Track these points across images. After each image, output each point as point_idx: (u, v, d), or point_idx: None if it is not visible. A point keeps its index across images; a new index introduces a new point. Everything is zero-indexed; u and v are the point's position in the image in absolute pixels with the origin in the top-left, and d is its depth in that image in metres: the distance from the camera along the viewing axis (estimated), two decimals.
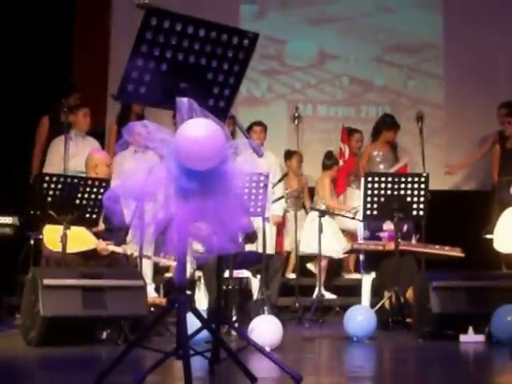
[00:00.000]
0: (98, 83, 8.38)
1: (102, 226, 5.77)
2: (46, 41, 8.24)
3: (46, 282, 4.72)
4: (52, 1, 8.42)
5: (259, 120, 7.98)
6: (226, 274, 5.83)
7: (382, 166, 8.00)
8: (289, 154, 8.18)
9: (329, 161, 7.95)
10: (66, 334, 4.72)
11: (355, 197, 7.80)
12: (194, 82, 3.06)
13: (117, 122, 7.81)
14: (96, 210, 5.43)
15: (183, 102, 2.89)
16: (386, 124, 8.09)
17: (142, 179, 2.94)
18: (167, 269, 6.71)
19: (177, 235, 2.82)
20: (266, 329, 4.61)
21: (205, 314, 4.08)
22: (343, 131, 8.47)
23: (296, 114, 7.39)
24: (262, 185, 5.79)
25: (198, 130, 2.77)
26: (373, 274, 6.39)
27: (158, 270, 6.83)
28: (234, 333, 5.14)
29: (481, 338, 4.97)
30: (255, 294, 6.31)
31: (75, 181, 5.43)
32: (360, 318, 5.21)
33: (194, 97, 2.97)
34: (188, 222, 2.84)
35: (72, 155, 6.96)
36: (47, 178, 5.40)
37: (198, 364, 3.60)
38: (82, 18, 8.90)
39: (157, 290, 6.75)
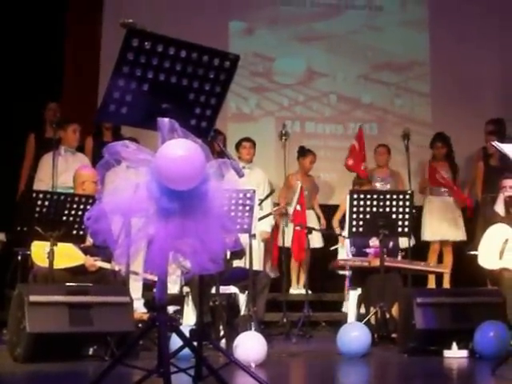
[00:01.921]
0: (87, 99, 8.41)
1: (90, 242, 5.78)
2: (37, 56, 8.29)
3: (32, 298, 4.72)
4: (43, 17, 8.47)
5: (248, 136, 8.04)
6: (214, 289, 5.86)
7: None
8: (303, 152, 8.22)
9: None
10: (52, 351, 4.72)
11: None
12: (176, 102, 3.09)
13: (92, 136, 7.91)
14: (83, 227, 5.43)
15: (164, 122, 2.93)
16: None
17: (130, 195, 2.97)
18: None
19: (157, 254, 2.85)
20: (250, 345, 4.64)
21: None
22: (360, 132, 8.56)
23: (283, 131, 7.44)
24: (248, 201, 5.82)
25: (178, 150, 2.80)
26: (359, 290, 6.42)
27: (150, 286, 6.85)
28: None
29: (464, 353, 5.01)
30: (242, 310, 6.33)
31: (62, 197, 5.43)
32: (355, 334, 5.24)
33: (176, 117, 2.99)
34: (168, 242, 2.87)
35: (62, 171, 7.00)
36: (34, 195, 5.43)
37: (183, 380, 3.61)
38: (73, 33, 8.96)
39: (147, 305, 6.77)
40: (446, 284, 7.94)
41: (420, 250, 7.66)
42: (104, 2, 9.09)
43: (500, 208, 6.40)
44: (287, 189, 8.10)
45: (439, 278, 7.86)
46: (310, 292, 7.37)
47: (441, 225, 8.16)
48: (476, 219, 7.81)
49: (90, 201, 5.42)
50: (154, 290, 6.76)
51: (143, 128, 3.22)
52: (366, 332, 5.25)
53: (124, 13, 8.16)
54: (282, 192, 8.20)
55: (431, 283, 7.94)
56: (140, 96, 3.04)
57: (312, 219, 8.15)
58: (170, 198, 2.84)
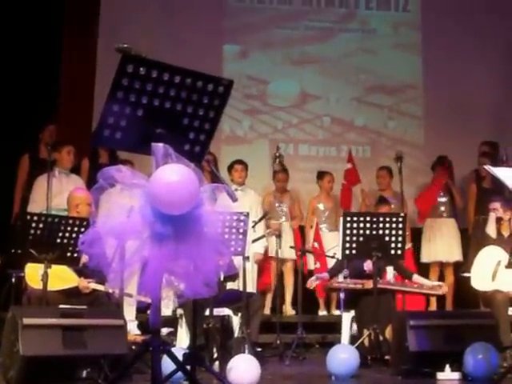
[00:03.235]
0: (83, 119, 8.44)
1: (85, 258, 5.76)
2: (33, 76, 8.31)
3: (26, 321, 4.69)
4: (39, 37, 8.52)
5: (241, 158, 8.07)
6: (207, 312, 5.86)
7: None
8: (321, 174, 8.36)
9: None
10: (45, 374, 4.69)
11: None
12: (170, 127, 3.12)
13: (89, 157, 7.94)
14: (77, 249, 5.44)
15: (158, 147, 2.95)
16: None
17: (124, 219, 2.98)
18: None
19: (151, 278, 2.87)
20: (243, 368, 4.64)
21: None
22: (350, 154, 8.73)
23: (277, 154, 7.49)
24: (241, 224, 5.84)
25: (172, 176, 2.83)
26: (352, 312, 6.42)
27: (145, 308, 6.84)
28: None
29: (457, 375, 5.01)
30: (236, 332, 6.33)
31: (56, 220, 5.44)
32: (343, 356, 5.24)
33: (170, 142, 3.02)
34: (162, 266, 2.88)
35: (56, 193, 6.99)
36: (29, 217, 5.43)
37: None
38: (69, 53, 9.00)
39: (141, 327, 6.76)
40: (449, 306, 7.92)
41: (422, 272, 7.64)
42: (100, 23, 9.14)
43: (491, 230, 6.44)
44: (312, 214, 8.28)
45: (441, 299, 7.80)
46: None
47: (437, 246, 8.18)
48: (469, 241, 7.83)
49: (84, 223, 5.42)
50: (148, 312, 6.79)
51: (138, 153, 3.24)
52: (355, 354, 5.26)
53: (119, 36, 8.21)
54: (308, 218, 8.34)
55: (432, 305, 7.93)
56: (134, 121, 3.06)
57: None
58: (164, 222, 2.86)
